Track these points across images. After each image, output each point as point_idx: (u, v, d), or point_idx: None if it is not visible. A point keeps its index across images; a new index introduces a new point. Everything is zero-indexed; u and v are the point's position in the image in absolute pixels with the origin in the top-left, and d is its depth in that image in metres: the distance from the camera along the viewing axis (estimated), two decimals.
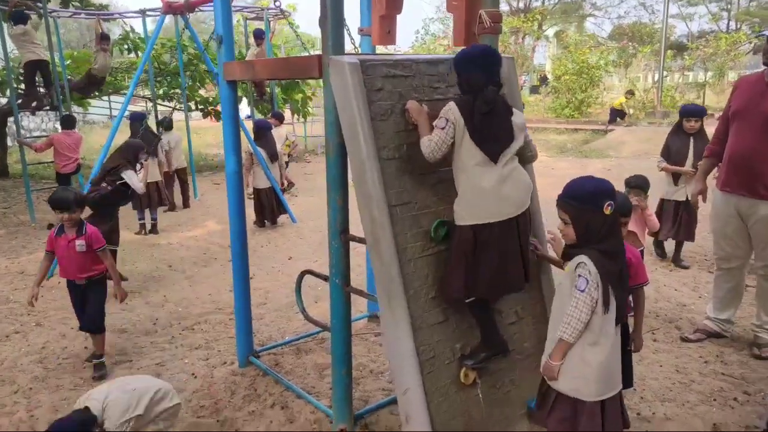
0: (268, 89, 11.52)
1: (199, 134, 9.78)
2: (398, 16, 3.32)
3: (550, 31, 32.32)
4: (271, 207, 7.61)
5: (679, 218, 5.49)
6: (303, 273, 3.22)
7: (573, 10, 34.66)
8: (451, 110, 2.44)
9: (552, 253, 3.04)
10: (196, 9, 7.80)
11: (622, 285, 2.28)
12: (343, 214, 2.70)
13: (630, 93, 18.87)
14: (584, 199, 2.22)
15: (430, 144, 2.44)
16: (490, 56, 2.47)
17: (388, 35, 3.44)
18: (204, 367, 3.84)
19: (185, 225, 8.02)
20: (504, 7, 35.02)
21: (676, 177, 5.46)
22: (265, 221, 7.71)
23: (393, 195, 2.54)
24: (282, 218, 7.90)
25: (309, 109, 13.58)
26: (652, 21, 34.75)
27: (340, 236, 2.70)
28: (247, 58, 9.70)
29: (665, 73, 21.11)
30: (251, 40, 9.64)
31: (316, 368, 3.76)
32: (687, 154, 5.31)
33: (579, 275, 2.19)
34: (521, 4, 32.65)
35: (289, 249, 6.83)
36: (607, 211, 2.19)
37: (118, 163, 5.19)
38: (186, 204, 9.02)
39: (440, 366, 2.66)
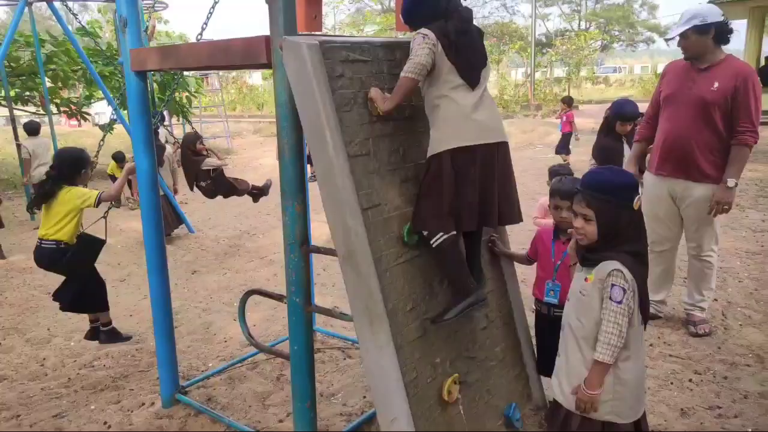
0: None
1: (60, 140, 8.62)
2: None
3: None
4: (165, 217, 6.79)
5: None
6: (248, 293, 2.74)
7: None
8: (424, 31, 2.16)
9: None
10: None
11: (646, 289, 2.07)
12: (302, 223, 2.30)
13: None
14: (613, 191, 1.97)
15: (411, 62, 2.13)
16: None
17: (314, 21, 3.09)
18: (117, 413, 3.21)
19: None
20: (377, 7, 35.62)
21: None
22: None
23: (363, 197, 2.21)
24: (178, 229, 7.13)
25: (189, 109, 12.57)
26: (512, 21, 37.32)
27: (300, 248, 2.30)
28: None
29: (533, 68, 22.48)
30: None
31: (257, 398, 3.29)
32: (622, 159, 4.76)
33: (613, 284, 1.93)
34: (392, 4, 33.36)
35: (191, 262, 6.16)
36: (636, 205, 1.97)
37: (193, 164, 4.84)
38: None
39: (423, 386, 2.38)
